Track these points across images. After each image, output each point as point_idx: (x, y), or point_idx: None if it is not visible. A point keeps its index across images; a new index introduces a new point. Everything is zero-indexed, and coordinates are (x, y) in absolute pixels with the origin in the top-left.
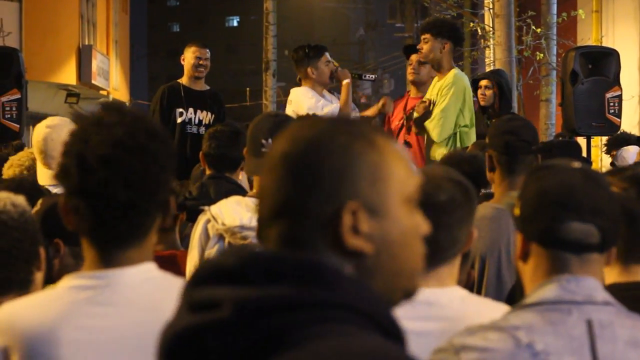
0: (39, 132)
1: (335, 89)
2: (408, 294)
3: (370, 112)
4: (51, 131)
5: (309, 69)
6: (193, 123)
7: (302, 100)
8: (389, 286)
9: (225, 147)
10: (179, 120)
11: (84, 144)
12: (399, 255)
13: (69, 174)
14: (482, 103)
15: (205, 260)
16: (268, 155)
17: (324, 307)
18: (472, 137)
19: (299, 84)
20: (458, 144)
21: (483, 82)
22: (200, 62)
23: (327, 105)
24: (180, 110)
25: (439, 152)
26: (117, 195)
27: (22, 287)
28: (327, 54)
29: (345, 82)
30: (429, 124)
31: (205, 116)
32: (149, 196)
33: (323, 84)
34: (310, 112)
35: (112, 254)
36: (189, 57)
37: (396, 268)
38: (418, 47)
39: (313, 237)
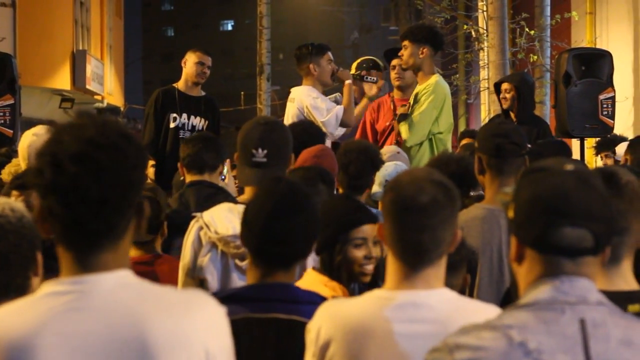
0: (25, 139)
1: (337, 89)
2: None
3: (345, 95)
4: (36, 139)
5: (310, 65)
6: (186, 128)
7: (307, 101)
8: None
9: (200, 150)
10: (172, 125)
11: (56, 144)
12: None
13: (41, 174)
14: (503, 106)
15: None
16: None
17: None
18: (448, 143)
19: (292, 87)
20: (435, 150)
21: (504, 86)
22: (204, 69)
23: (331, 110)
24: (174, 115)
25: (411, 156)
26: (88, 190)
27: (19, 292)
28: (330, 54)
29: (347, 82)
30: (403, 127)
31: (199, 122)
32: (121, 193)
33: (324, 83)
34: (317, 117)
35: (87, 258)
36: (191, 61)
37: None
38: (399, 54)
39: None
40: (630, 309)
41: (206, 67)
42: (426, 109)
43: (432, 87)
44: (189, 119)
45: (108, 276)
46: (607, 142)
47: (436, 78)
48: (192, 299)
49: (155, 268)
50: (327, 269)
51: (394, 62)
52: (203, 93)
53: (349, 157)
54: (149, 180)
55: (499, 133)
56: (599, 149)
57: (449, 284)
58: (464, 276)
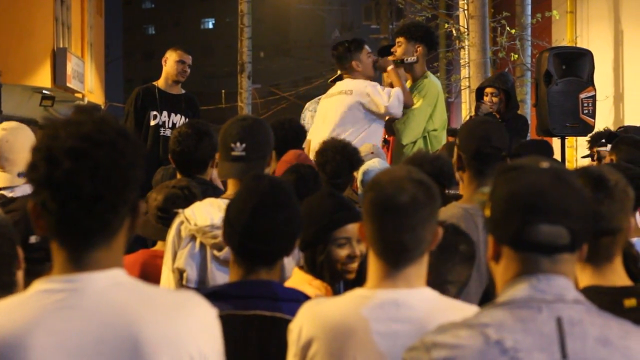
0: None
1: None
2: None
3: (395, 80)
4: (6, 133)
5: (353, 63)
6: (166, 126)
7: (368, 89)
8: None
9: (189, 149)
10: (153, 122)
11: (52, 139)
12: None
13: (36, 168)
14: (490, 110)
15: None
16: None
17: None
18: (442, 140)
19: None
20: (429, 147)
21: (489, 90)
22: (184, 67)
23: (391, 94)
24: (154, 112)
25: (405, 154)
26: (82, 186)
27: (7, 289)
28: (367, 47)
29: (389, 69)
30: (398, 125)
31: (179, 120)
32: (116, 191)
33: (368, 76)
34: (381, 102)
35: (80, 255)
36: (172, 60)
37: None
38: (392, 50)
39: None
40: (627, 303)
41: (187, 66)
42: (420, 106)
43: (425, 85)
44: (169, 116)
45: (101, 275)
46: (599, 137)
47: (429, 76)
48: (184, 300)
49: None
50: (311, 267)
51: (388, 59)
52: (183, 91)
53: (325, 157)
54: None
55: (480, 135)
56: (592, 144)
57: (458, 276)
58: (470, 272)
